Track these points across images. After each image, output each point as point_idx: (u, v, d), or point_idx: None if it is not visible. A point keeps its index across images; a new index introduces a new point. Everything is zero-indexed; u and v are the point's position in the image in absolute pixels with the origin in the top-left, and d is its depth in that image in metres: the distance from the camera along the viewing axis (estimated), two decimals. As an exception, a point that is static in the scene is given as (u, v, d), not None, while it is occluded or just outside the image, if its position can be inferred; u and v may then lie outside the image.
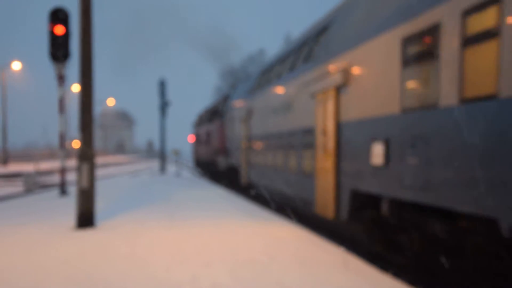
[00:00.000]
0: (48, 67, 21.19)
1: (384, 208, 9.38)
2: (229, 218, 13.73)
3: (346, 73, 11.01)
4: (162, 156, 46.43)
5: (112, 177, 42.30)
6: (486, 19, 6.56)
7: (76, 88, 61.85)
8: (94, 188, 12.59)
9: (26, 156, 73.15)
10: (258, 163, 20.55)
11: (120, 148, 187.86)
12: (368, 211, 10.24)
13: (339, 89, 11.46)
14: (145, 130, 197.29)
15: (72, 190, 21.56)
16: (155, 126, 51.75)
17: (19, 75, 71.18)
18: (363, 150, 10.04)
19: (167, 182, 30.60)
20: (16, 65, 57.40)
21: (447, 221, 7.65)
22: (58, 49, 19.79)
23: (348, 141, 11.00)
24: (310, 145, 13.49)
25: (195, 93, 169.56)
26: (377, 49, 9.63)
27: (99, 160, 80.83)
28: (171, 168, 62.89)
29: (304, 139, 14.09)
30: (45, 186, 29.48)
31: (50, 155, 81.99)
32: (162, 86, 43.95)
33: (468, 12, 6.91)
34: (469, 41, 6.89)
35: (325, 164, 12.25)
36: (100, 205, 15.12)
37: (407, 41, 8.47)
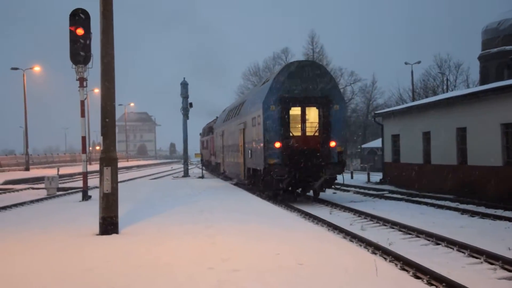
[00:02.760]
0: (71, 70, 20.99)
1: (252, 171, 25.72)
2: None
3: (245, 124, 27.04)
4: (185, 159, 46.42)
5: (135, 180, 42.22)
6: (253, 121, 24.86)
7: (98, 90, 62.16)
8: (117, 193, 12.26)
9: (47, 162, 73.43)
10: (226, 160, 36.71)
11: (142, 151, 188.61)
12: (251, 174, 26.16)
13: (244, 130, 27.49)
14: (168, 132, 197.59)
15: (95, 194, 21.29)
16: (178, 128, 53.31)
17: (40, 78, 71.69)
18: (248, 152, 25.85)
19: (190, 185, 30.42)
20: (36, 69, 58.00)
21: (258, 171, 24.24)
22: (79, 51, 19.59)
23: (246, 150, 26.89)
24: (239, 151, 29.30)
25: (220, 93, 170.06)
26: (250, 118, 25.66)
27: (122, 163, 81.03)
28: (194, 169, 62.96)
29: (237, 148, 30.14)
30: (67, 190, 29.40)
31: (72, 160, 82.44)
32: (184, 87, 43.69)
33: (251, 121, 25.64)
34: (254, 128, 24.66)
35: (242, 159, 28.31)
36: (123, 209, 14.81)
37: (245, 125, 26.91)
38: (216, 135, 44.51)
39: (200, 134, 65.09)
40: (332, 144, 22.75)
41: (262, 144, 22.89)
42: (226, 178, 37.80)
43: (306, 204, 22.47)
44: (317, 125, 22.95)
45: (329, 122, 22.73)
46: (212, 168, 47.82)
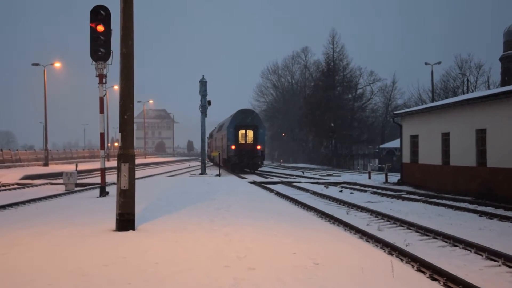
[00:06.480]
0: (91, 67, 21.10)
1: (224, 160, 55.24)
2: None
3: (222, 136, 58.56)
4: (202, 157, 46.86)
5: (153, 177, 42.36)
6: (224, 135, 57.16)
7: (117, 87, 62.51)
8: (134, 189, 12.28)
9: (66, 158, 74.00)
10: (217, 155, 55.75)
11: (160, 148, 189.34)
12: (227, 161, 54.42)
13: (222, 138, 59.21)
14: (186, 129, 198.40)
15: (113, 190, 21.39)
16: (196, 125, 57.55)
17: (61, 74, 72.35)
18: (223, 150, 56.23)
19: (207, 183, 30.43)
20: (57, 65, 58.35)
21: (226, 159, 55.15)
22: (99, 48, 19.69)
23: (222, 149, 57.03)
24: (221, 149, 57.52)
25: (239, 91, 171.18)
26: (224, 133, 56.57)
27: (139, 160, 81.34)
28: (212, 167, 63.11)
29: (220, 148, 58.81)
30: (85, 186, 29.60)
31: (91, 156, 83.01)
32: (203, 85, 43.73)
33: (224, 135, 57.82)
34: (225, 138, 57.02)
35: (221, 154, 53.93)
36: (140, 206, 14.87)
37: (222, 136, 58.41)
38: (213, 139, 76.06)
39: (207, 137, 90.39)
40: (258, 147, 50.82)
41: (227, 147, 52.16)
42: (241, 177, 41.93)
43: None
44: (252, 138, 51.08)
45: (257, 137, 51.17)
46: (210, 160, 77.20)
